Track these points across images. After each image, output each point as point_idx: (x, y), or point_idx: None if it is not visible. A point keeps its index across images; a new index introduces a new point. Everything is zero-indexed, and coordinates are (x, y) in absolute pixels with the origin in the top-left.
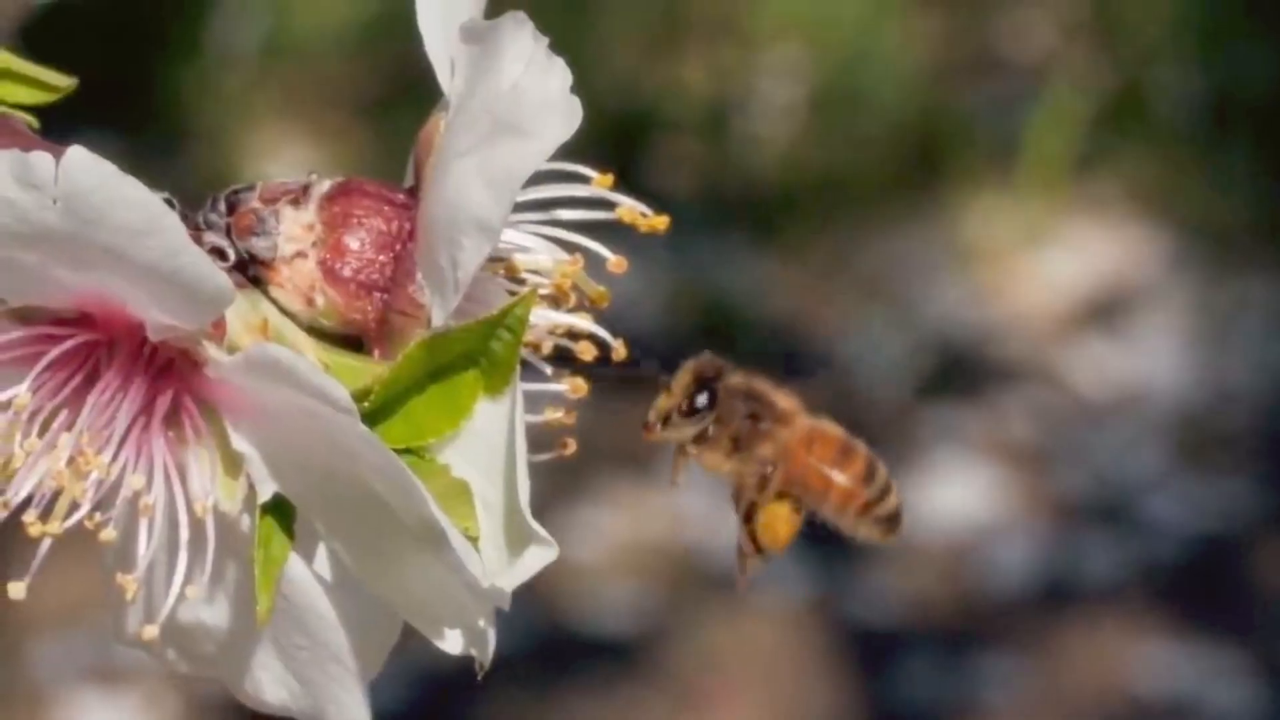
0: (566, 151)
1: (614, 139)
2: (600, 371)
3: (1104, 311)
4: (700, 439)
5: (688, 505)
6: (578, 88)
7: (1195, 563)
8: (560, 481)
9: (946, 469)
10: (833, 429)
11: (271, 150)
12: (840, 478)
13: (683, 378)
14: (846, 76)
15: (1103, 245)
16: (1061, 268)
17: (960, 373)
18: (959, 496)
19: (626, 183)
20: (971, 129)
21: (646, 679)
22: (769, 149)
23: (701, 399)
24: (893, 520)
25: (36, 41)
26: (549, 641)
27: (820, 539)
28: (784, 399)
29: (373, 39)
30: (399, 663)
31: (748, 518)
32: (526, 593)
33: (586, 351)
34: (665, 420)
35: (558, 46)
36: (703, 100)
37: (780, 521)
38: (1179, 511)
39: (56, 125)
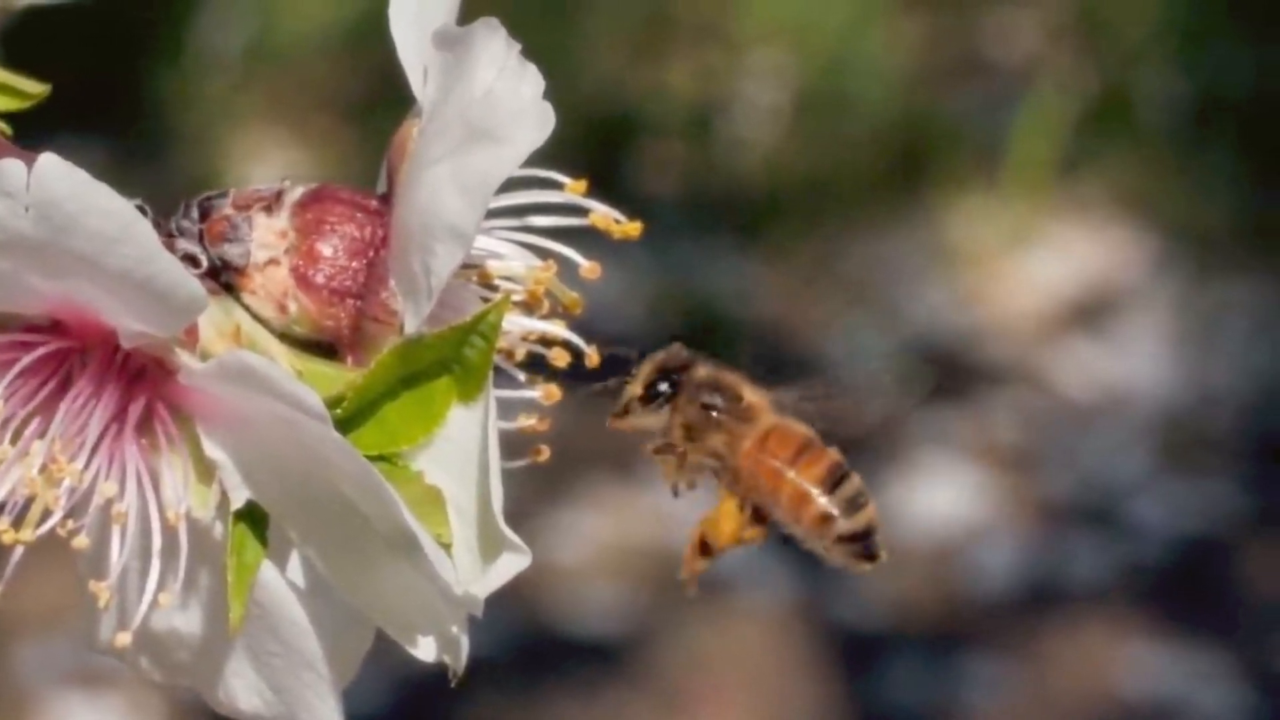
0: (549, 154)
1: (598, 142)
2: (577, 379)
3: (1089, 314)
4: (662, 430)
5: (671, 507)
6: (562, 91)
7: (1180, 565)
8: (542, 484)
9: (932, 471)
10: (798, 428)
11: (256, 153)
12: (792, 475)
13: (646, 367)
14: (831, 79)
15: (1087, 247)
16: (1046, 270)
17: (945, 375)
18: (944, 499)
19: (610, 186)
20: (956, 132)
21: (631, 681)
22: (754, 152)
23: (660, 387)
24: (860, 540)
25: (18, 45)
26: (532, 644)
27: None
28: (752, 395)
29: (357, 42)
30: (376, 667)
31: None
32: (509, 596)
33: (560, 358)
34: (627, 409)
35: (541, 50)
36: (687, 103)
37: (724, 518)
38: (1164, 513)
39: (39, 129)
